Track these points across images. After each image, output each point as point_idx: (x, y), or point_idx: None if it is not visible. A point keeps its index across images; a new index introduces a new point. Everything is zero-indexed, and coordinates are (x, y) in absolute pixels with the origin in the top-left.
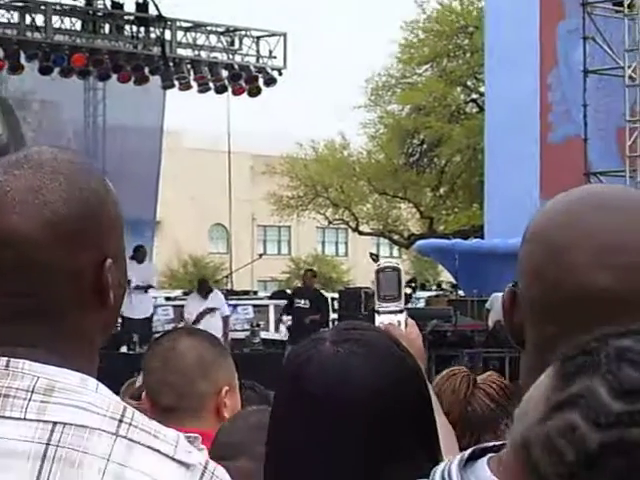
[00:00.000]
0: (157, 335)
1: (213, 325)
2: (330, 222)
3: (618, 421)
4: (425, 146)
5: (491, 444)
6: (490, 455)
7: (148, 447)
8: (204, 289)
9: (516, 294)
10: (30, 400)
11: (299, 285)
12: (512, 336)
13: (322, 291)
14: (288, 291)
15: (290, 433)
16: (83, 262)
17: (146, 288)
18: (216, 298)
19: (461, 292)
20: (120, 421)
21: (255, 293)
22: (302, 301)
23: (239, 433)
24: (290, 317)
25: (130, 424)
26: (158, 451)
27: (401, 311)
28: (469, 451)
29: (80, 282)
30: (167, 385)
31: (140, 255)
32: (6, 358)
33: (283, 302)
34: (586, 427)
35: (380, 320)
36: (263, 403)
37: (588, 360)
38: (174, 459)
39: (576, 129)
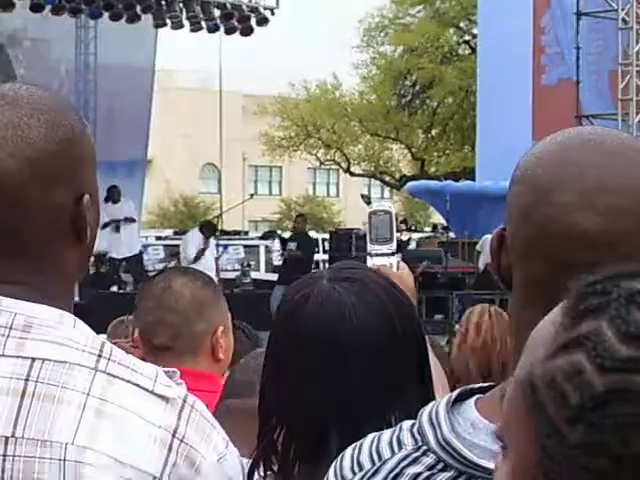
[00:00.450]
0: (148, 274)
1: (208, 265)
2: (322, 163)
3: (624, 366)
4: (417, 87)
5: (477, 386)
6: (478, 396)
7: (127, 381)
8: (209, 231)
9: (504, 236)
10: (8, 337)
11: (291, 230)
12: (500, 278)
13: (312, 232)
14: (279, 232)
15: (287, 370)
16: (61, 198)
17: (131, 219)
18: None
19: (452, 234)
20: (99, 356)
21: (246, 233)
22: (291, 244)
23: (254, 373)
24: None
25: (109, 359)
26: (137, 385)
27: (393, 253)
28: (456, 392)
29: (58, 218)
30: (162, 324)
31: (115, 194)
32: None
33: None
34: (591, 370)
35: (372, 262)
36: (252, 344)
37: (598, 301)
38: (153, 392)
39: (569, 71)
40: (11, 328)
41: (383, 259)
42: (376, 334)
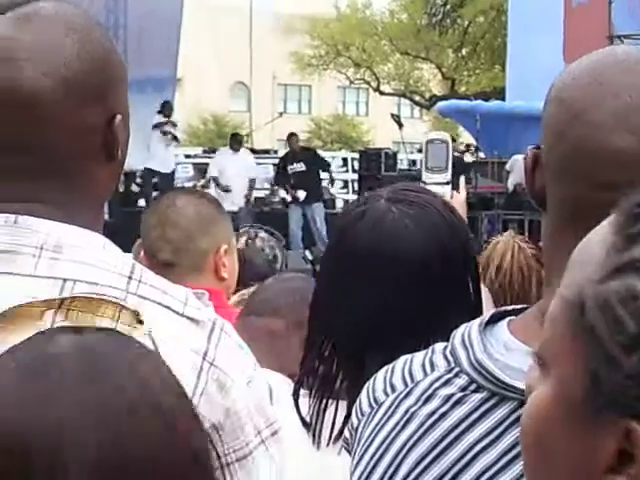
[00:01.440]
0: None
1: (237, 182)
2: (351, 82)
3: None
4: (448, 6)
5: (510, 308)
6: (510, 318)
7: (158, 304)
8: (237, 142)
9: (539, 156)
10: (40, 257)
11: (287, 153)
12: (534, 198)
13: (343, 150)
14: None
15: (337, 285)
16: (94, 117)
17: (175, 138)
18: (245, 155)
19: (482, 154)
20: (130, 278)
21: (275, 152)
22: (296, 165)
23: (279, 294)
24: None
25: (140, 281)
26: (168, 307)
27: (447, 183)
28: (489, 314)
29: (91, 137)
30: (166, 241)
31: (167, 109)
32: (14, 215)
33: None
34: None
35: None
36: (278, 247)
37: None
38: (184, 315)
39: None
40: (42, 249)
41: (437, 188)
42: (427, 255)
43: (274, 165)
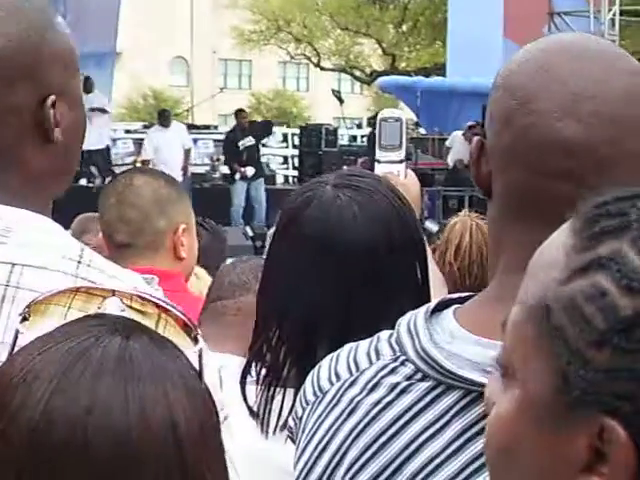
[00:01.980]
0: (116, 167)
1: (173, 157)
2: (292, 57)
3: None
4: None
5: (456, 296)
6: (456, 306)
7: None
8: (165, 118)
9: (484, 144)
10: None
11: (235, 128)
12: (479, 185)
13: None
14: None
15: (284, 271)
16: (21, 97)
17: (102, 110)
18: (178, 129)
19: (422, 130)
20: (78, 262)
21: (216, 128)
22: (246, 140)
23: (242, 274)
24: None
25: (89, 265)
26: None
27: (401, 161)
28: (435, 302)
29: (20, 118)
30: (123, 221)
31: (87, 85)
32: None
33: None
34: (616, 292)
35: (380, 169)
36: (214, 239)
37: (615, 222)
38: (131, 307)
39: None
40: None
41: (390, 166)
42: (375, 243)
43: (214, 141)
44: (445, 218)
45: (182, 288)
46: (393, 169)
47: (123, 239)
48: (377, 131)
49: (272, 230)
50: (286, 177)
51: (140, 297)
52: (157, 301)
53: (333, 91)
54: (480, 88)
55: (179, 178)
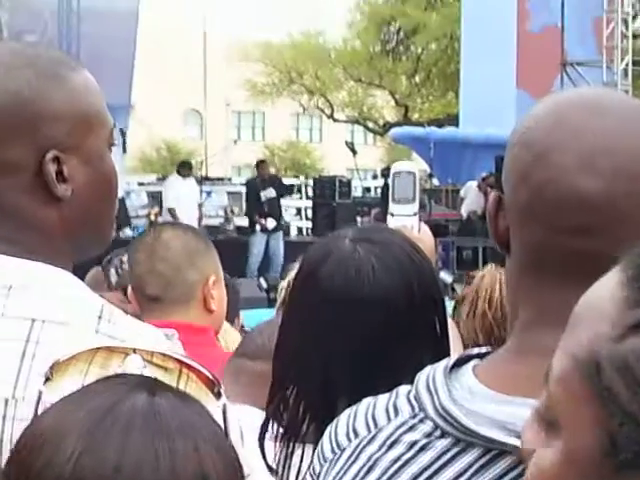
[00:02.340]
0: (131, 219)
1: (189, 210)
2: (305, 109)
3: None
4: (402, 33)
5: (475, 351)
6: (475, 362)
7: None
8: (187, 169)
9: (501, 199)
10: (8, 297)
11: (256, 178)
12: (497, 241)
13: (295, 178)
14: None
15: (302, 326)
16: (18, 154)
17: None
18: (192, 182)
19: (435, 181)
20: (99, 317)
21: (229, 180)
22: (267, 191)
23: (273, 339)
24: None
25: (109, 320)
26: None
27: (415, 214)
28: (454, 357)
29: (21, 175)
30: (154, 274)
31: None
32: None
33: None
34: None
35: (394, 222)
36: (228, 291)
37: None
38: (152, 362)
39: (554, 18)
40: (10, 288)
41: (404, 220)
42: (394, 296)
43: (228, 192)
44: (459, 269)
45: (212, 342)
46: (407, 222)
47: (154, 292)
48: (390, 185)
49: (284, 282)
50: (300, 228)
51: (161, 353)
52: (178, 357)
53: (346, 143)
54: (493, 139)
55: None
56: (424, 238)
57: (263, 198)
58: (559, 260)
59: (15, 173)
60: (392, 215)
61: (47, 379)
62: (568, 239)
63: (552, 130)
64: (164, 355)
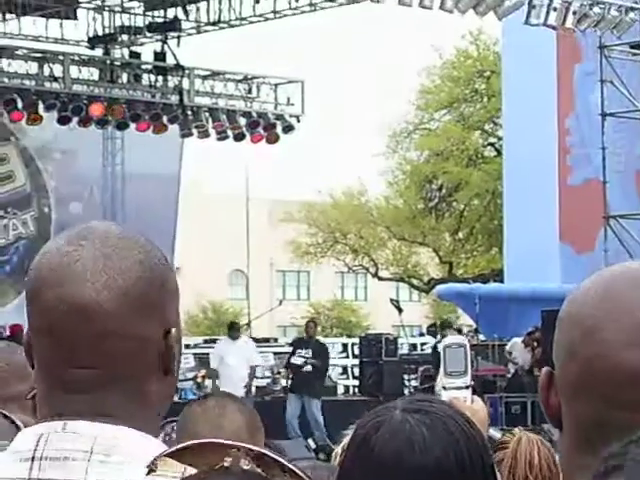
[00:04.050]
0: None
1: (237, 372)
2: (350, 269)
3: None
4: (444, 191)
5: None
6: None
7: None
8: (235, 331)
9: (552, 374)
10: (90, 461)
11: (301, 337)
12: (549, 416)
13: (341, 337)
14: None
15: None
16: (151, 331)
17: None
18: (244, 344)
19: (482, 336)
20: None
21: (275, 340)
22: (304, 351)
23: None
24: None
25: None
26: None
27: (467, 387)
28: None
29: (148, 351)
30: None
31: None
32: (63, 421)
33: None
34: None
35: (447, 395)
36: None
37: (616, 463)
38: None
39: (595, 172)
40: (91, 452)
41: (456, 392)
42: (445, 465)
43: (274, 353)
44: (508, 425)
45: None
46: (459, 395)
47: None
48: (442, 358)
49: (339, 448)
50: (347, 387)
51: None
52: None
53: (391, 300)
54: (538, 293)
55: (241, 393)
56: (477, 409)
57: (297, 355)
58: (609, 435)
59: (146, 350)
60: (445, 388)
61: None
62: (617, 413)
63: (599, 305)
64: None
